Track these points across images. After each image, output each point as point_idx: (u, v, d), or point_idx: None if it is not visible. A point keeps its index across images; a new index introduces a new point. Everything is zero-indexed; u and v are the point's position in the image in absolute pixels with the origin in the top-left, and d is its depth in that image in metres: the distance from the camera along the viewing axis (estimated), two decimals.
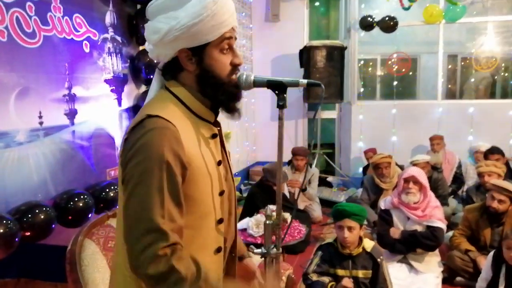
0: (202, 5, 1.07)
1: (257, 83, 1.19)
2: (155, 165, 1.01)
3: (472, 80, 7.97)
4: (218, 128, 1.23)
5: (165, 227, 0.99)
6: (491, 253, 2.91)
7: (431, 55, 7.02)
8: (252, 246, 1.48)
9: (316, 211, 5.08)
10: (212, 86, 1.13)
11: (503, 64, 7.60)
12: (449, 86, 8.27)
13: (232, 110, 1.18)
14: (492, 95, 8.01)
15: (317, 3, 7.38)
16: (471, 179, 5.40)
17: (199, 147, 1.12)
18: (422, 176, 3.27)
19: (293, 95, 6.66)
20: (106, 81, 3.32)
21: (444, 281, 3.32)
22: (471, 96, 7.87)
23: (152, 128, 1.03)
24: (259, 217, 3.29)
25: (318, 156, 6.68)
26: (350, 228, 2.51)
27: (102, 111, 3.25)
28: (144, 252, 0.98)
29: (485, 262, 2.98)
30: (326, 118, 7.30)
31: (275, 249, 1.32)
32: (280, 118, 1.18)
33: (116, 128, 3.42)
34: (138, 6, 3.64)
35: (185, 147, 1.06)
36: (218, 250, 1.18)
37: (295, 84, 1.17)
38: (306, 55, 6.25)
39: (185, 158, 1.06)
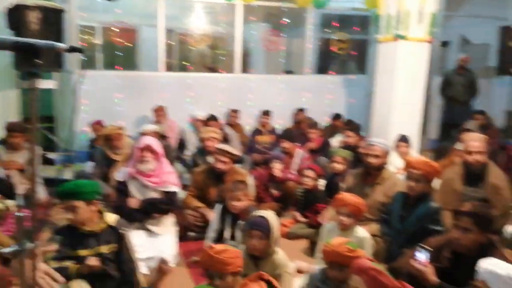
0: None
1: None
2: None
3: (190, 54, 8.72)
4: None
5: None
6: (218, 207, 3.35)
7: (151, 27, 7.23)
8: None
9: (40, 193, 4.56)
10: None
11: (213, 41, 8.58)
12: (169, 59, 8.78)
13: None
14: (210, 69, 8.97)
15: None
16: (191, 145, 5.98)
17: None
18: (156, 144, 3.39)
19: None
20: None
21: (180, 239, 3.61)
22: (190, 69, 8.61)
23: None
24: None
25: (36, 131, 5.93)
26: (74, 208, 2.37)
27: None
28: None
29: (213, 215, 3.40)
30: (43, 89, 6.52)
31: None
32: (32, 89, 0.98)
33: None
34: None
35: None
36: None
37: (51, 47, 0.99)
38: (16, 16, 5.33)
39: None
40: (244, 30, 7.32)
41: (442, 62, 8.43)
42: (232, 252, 2.18)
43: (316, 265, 2.72)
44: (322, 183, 4.53)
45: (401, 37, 5.61)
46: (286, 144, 5.00)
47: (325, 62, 8.64)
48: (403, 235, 3.03)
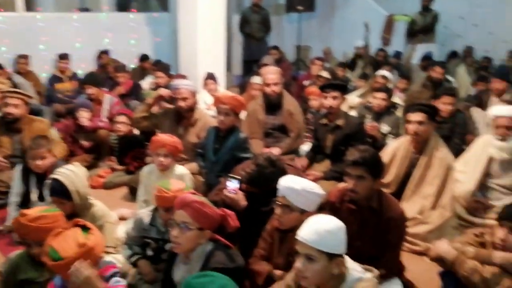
0: None
1: None
2: None
3: None
4: None
5: None
6: (18, 167, 2.97)
7: None
8: None
9: None
10: None
11: None
12: None
13: None
14: None
15: None
16: None
17: None
18: None
19: None
20: None
21: None
22: None
23: None
24: None
25: None
26: None
27: None
28: None
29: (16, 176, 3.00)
30: None
31: None
32: None
33: None
34: None
35: None
36: None
37: None
38: None
39: None
40: None
41: (239, 0, 8.83)
42: (50, 217, 1.96)
43: (140, 210, 2.71)
44: None
45: None
46: (91, 90, 4.61)
47: None
48: (218, 166, 3.25)
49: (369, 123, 4.02)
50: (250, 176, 2.50)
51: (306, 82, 6.29)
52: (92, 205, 2.49)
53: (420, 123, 2.92)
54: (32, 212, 1.96)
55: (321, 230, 1.61)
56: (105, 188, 3.83)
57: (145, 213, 2.51)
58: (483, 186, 3.25)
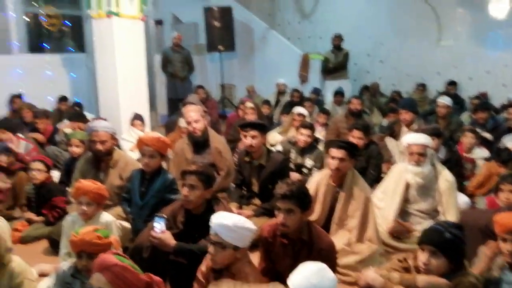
0: None
1: None
2: None
3: None
4: None
5: None
6: None
7: None
8: None
9: None
10: None
11: None
12: None
13: None
14: None
15: None
16: None
17: None
18: None
19: None
20: None
21: None
22: None
23: None
24: None
25: None
26: None
27: None
28: None
29: None
30: None
31: None
32: None
33: None
34: None
35: None
36: None
37: None
38: None
39: None
40: None
41: (159, 40, 8.88)
42: None
43: (62, 263, 2.53)
44: (56, 175, 4.17)
45: (114, 14, 5.55)
46: (5, 136, 4.29)
47: (38, 40, 7.75)
48: (145, 210, 3.14)
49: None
50: None
51: None
52: (9, 260, 2.28)
53: (341, 159, 3.02)
54: None
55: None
56: (23, 242, 3.51)
57: (66, 265, 2.34)
58: (403, 212, 3.43)
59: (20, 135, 4.71)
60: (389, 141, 4.92)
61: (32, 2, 7.13)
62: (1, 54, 7.06)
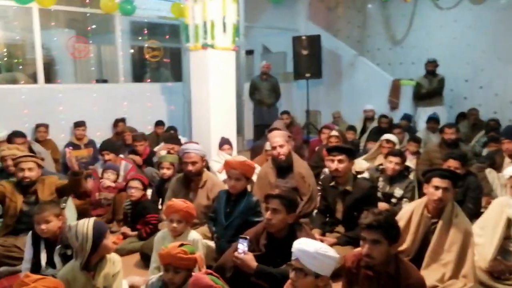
0: None
1: None
2: None
3: None
4: None
5: None
6: (30, 233, 2.97)
7: None
8: None
9: None
10: None
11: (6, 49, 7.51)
12: None
13: None
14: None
15: None
16: None
17: None
18: None
19: None
20: None
21: None
22: None
23: None
24: None
25: None
26: None
27: None
28: None
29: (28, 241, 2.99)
30: None
31: None
32: None
33: None
34: None
35: None
36: None
37: None
38: None
39: None
40: (45, 37, 6.64)
41: (248, 69, 9.23)
42: (49, 281, 1.99)
43: (151, 276, 2.67)
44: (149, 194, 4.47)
45: (209, 46, 5.91)
46: (108, 156, 4.74)
47: (140, 70, 8.51)
48: (230, 230, 3.22)
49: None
50: None
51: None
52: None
53: (445, 189, 2.86)
54: (35, 275, 2.01)
55: None
56: (117, 254, 3.78)
57: (155, 278, 2.47)
58: (503, 250, 3.14)
59: (121, 155, 5.17)
60: (490, 173, 4.52)
61: (137, 37, 7.88)
62: (111, 83, 7.87)
